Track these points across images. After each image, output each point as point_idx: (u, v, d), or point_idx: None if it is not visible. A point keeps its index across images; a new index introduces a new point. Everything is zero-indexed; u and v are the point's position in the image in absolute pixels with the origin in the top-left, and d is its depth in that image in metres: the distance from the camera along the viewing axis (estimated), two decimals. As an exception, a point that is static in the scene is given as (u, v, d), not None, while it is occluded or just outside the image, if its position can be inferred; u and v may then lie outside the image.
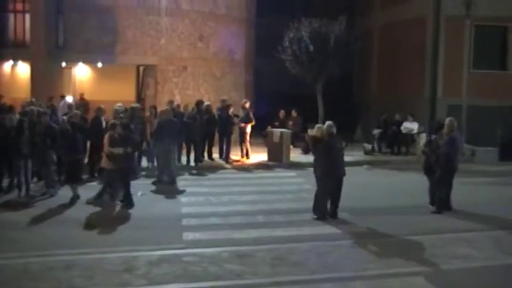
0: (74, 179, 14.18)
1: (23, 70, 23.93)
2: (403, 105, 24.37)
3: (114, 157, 13.39)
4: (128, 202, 13.50)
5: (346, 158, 20.87)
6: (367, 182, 17.61)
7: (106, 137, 13.77)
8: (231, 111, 20.08)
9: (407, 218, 12.98)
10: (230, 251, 10.17)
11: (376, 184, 17.12)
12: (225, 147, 20.02)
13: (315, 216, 12.73)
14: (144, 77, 24.46)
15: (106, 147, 13.63)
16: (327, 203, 12.80)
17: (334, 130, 12.92)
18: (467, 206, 14.18)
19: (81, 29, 22.87)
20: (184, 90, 23.81)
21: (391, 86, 28.11)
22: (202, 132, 19.21)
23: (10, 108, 17.10)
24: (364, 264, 9.63)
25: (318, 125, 13.62)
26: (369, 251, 10.48)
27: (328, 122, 13.22)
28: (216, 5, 24.92)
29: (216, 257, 9.84)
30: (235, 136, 20.60)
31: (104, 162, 13.79)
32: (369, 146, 22.79)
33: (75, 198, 13.84)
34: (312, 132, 13.65)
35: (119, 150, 13.45)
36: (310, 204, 13.63)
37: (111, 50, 22.80)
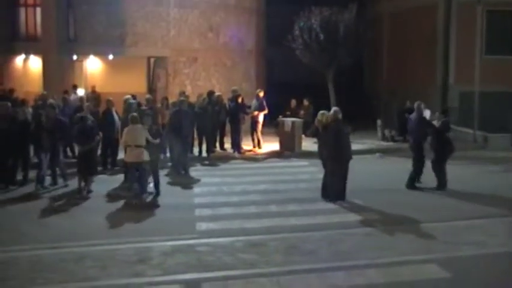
0: (88, 170, 14.19)
1: (34, 64, 24.03)
2: (415, 92, 24.25)
3: (150, 148, 13.35)
4: (158, 191, 13.68)
5: (358, 146, 21.15)
6: (379, 169, 17.63)
7: (136, 129, 13.39)
8: (240, 100, 20.04)
9: (420, 205, 12.96)
10: (243, 241, 10.21)
11: (388, 172, 17.09)
12: (235, 137, 19.98)
13: (328, 200, 13.07)
14: (155, 68, 24.48)
15: (137, 140, 13.26)
16: (344, 184, 13.14)
17: (340, 115, 13.26)
18: (479, 192, 14.19)
19: (91, 22, 22.90)
20: (195, 81, 23.83)
21: (403, 74, 28.00)
22: (214, 122, 19.23)
23: (23, 102, 17.26)
24: (377, 252, 9.64)
25: (322, 111, 13.75)
26: (382, 239, 10.49)
27: (334, 108, 13.66)
28: (226, -5, 24.88)
29: (229, 247, 9.89)
30: (246, 126, 20.59)
31: (137, 155, 13.30)
32: (388, 132, 22.65)
33: (86, 190, 13.92)
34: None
35: (156, 141, 13.49)
36: (323, 193, 13.73)
37: (121, 42, 22.83)
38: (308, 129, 21.74)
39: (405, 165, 15.72)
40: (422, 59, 26.17)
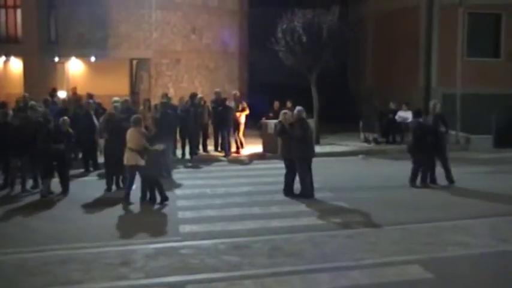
0: (47, 173, 13.98)
1: (15, 66, 23.80)
2: (398, 94, 24.37)
3: (149, 153, 13.13)
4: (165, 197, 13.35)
5: (341, 148, 21.20)
6: (362, 171, 17.66)
7: (133, 132, 13.28)
8: (228, 103, 20.04)
9: (403, 207, 12.99)
10: (227, 243, 10.17)
11: (371, 174, 17.12)
12: (224, 140, 19.91)
13: (291, 197, 13.67)
14: (137, 70, 24.37)
15: (136, 143, 13.12)
16: (312, 182, 13.76)
17: (304, 114, 13.99)
18: (462, 193, 14.28)
19: (73, 24, 22.70)
20: (178, 83, 23.75)
21: (386, 76, 28.12)
22: (197, 124, 19.18)
23: (3, 104, 17.08)
24: (361, 253, 9.64)
25: (284, 111, 14.52)
26: (365, 240, 10.47)
27: (298, 108, 14.12)
28: (208, -3, 24.84)
29: (213, 249, 9.84)
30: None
31: (133, 159, 13.20)
32: (370, 135, 22.73)
33: (43, 191, 13.79)
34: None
35: (159, 147, 13.36)
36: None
37: (103, 44, 22.67)
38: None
39: (388, 167, 15.84)
40: (406, 61, 26.29)
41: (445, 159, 15.35)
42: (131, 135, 13.22)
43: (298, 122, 13.84)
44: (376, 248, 9.96)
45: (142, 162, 13.09)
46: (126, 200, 13.18)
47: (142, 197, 13.28)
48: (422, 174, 15.06)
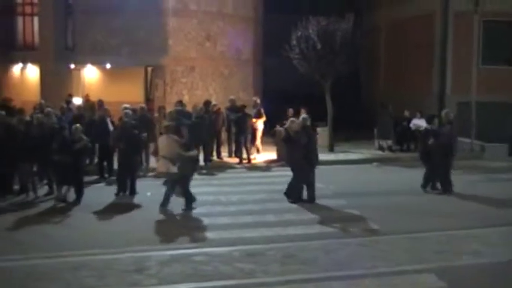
0: (60, 180, 14.00)
1: (32, 72, 24.04)
2: (412, 102, 24.30)
3: (183, 160, 13.18)
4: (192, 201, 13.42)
5: (355, 155, 21.17)
6: (376, 179, 17.62)
7: (167, 139, 13.38)
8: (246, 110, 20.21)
9: (416, 214, 12.97)
10: (241, 250, 10.20)
11: (385, 181, 17.09)
12: (240, 147, 20.05)
13: (291, 200, 13.93)
14: (152, 78, 24.51)
15: (169, 151, 13.20)
16: (302, 188, 14.09)
17: (309, 122, 14.57)
18: (475, 201, 14.23)
19: (89, 31, 22.95)
20: (193, 90, 23.84)
21: (400, 83, 28.06)
22: (211, 131, 19.26)
23: (20, 111, 17.25)
24: (374, 261, 9.64)
25: (291, 119, 14.78)
26: (378, 248, 10.48)
27: (303, 115, 14.84)
28: (223, 5, 24.92)
29: (226, 256, 9.88)
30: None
31: (164, 166, 13.32)
32: (384, 143, 22.70)
33: (62, 198, 13.84)
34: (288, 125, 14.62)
35: (193, 153, 13.44)
36: (321, 202, 13.81)
37: (119, 51, 22.85)
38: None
39: (403, 174, 15.80)
40: (420, 68, 26.24)
41: (448, 167, 15.29)
42: (164, 143, 13.26)
43: (303, 130, 14.19)
44: (389, 256, 9.95)
45: (174, 170, 13.14)
46: (163, 205, 13.22)
47: (164, 203, 13.30)
48: (435, 180, 15.17)
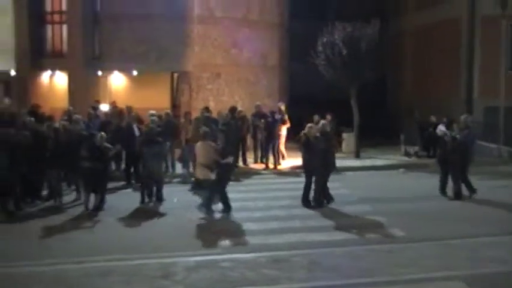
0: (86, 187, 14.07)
1: (60, 80, 24.37)
2: (439, 107, 24.13)
3: (220, 166, 13.28)
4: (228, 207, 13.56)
5: (382, 161, 21.06)
6: (402, 185, 17.52)
7: (203, 146, 13.47)
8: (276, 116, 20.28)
9: (443, 221, 12.86)
10: (266, 256, 10.23)
11: (411, 187, 16.97)
12: (268, 153, 20.16)
13: (313, 204, 14.11)
14: (178, 84, 24.69)
15: (206, 158, 13.27)
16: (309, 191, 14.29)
17: (328, 128, 14.88)
18: (501, 207, 14.07)
19: (116, 38, 23.23)
20: (218, 96, 23.96)
21: (426, 88, 27.87)
22: (237, 138, 19.32)
23: (49, 118, 17.50)
24: (400, 268, 9.59)
25: (309, 124, 14.79)
26: (404, 255, 10.41)
27: (323, 121, 15.18)
28: (248, 11, 25.04)
29: (252, 262, 9.92)
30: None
31: (203, 173, 13.42)
32: (411, 149, 22.59)
33: (93, 206, 13.91)
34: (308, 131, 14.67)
35: (229, 160, 13.55)
36: (346, 208, 13.78)
37: (145, 58, 23.07)
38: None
39: (429, 181, 15.66)
40: (446, 73, 26.04)
41: (465, 171, 15.26)
42: (201, 150, 13.40)
43: (323, 136, 14.33)
44: (416, 263, 9.89)
45: (212, 176, 13.24)
46: (207, 211, 13.31)
47: (208, 208, 13.39)
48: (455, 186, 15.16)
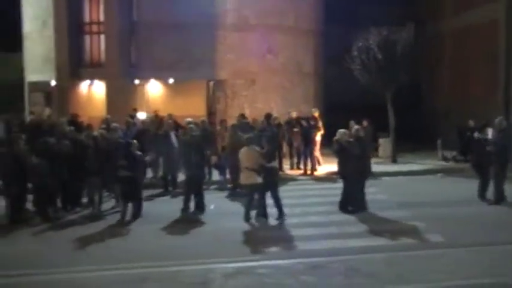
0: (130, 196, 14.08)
1: (98, 89, 24.75)
2: (476, 111, 23.83)
3: (266, 171, 13.35)
4: (265, 214, 13.58)
5: (419, 166, 20.86)
6: (440, 190, 17.35)
7: (249, 151, 13.55)
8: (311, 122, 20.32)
9: (482, 226, 12.68)
10: (304, 263, 10.22)
11: (449, 192, 16.78)
12: (306, 159, 20.20)
13: (351, 208, 14.09)
14: (214, 91, 24.87)
15: (253, 163, 13.33)
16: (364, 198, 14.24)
17: (362, 133, 14.87)
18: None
19: (152, 47, 23.54)
20: (254, 103, 24.08)
21: (464, 92, 27.52)
22: (272, 144, 19.33)
23: (88, 127, 17.81)
24: (441, 275, 9.50)
25: (342, 130, 14.76)
26: (445, 261, 10.31)
27: (355, 126, 15.14)
28: (283, 18, 25.14)
29: (290, 269, 9.92)
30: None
31: (250, 178, 13.44)
32: (448, 154, 22.36)
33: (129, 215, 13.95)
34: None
35: (274, 164, 13.59)
36: (384, 214, 13.72)
37: (181, 66, 23.32)
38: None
39: (467, 185, 15.48)
40: (484, 77, 25.69)
41: (500, 176, 15.04)
42: (246, 155, 13.48)
43: (356, 141, 14.33)
44: (455, 270, 9.78)
45: (259, 180, 13.32)
46: (246, 218, 13.38)
47: (258, 215, 13.50)
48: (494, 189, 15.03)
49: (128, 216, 13.82)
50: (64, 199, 14.80)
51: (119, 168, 13.94)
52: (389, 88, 21.81)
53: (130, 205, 14.01)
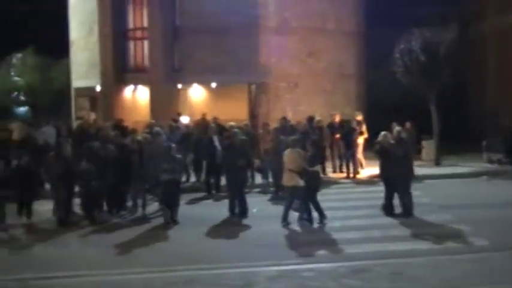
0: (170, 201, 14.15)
1: (142, 94, 25.12)
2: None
3: (308, 174, 13.42)
4: (310, 218, 13.57)
5: (464, 169, 20.57)
6: (485, 193, 17.06)
7: (292, 153, 13.64)
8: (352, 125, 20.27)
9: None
10: (347, 266, 10.24)
11: (494, 195, 16.46)
12: (348, 162, 20.20)
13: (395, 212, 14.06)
14: (256, 95, 24.98)
15: (296, 165, 13.41)
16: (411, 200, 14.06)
17: (404, 135, 14.95)
18: None
19: (195, 51, 23.80)
20: (296, 106, 24.09)
21: (510, 93, 27.05)
22: (315, 147, 19.34)
23: (133, 131, 18.14)
24: (487, 279, 9.40)
25: (384, 132, 14.67)
26: (491, 265, 10.16)
27: (397, 128, 15.15)
28: (325, 20, 25.14)
29: (333, 272, 9.94)
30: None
31: (292, 180, 13.49)
32: (494, 156, 22.02)
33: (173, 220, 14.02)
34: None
35: (316, 168, 13.71)
36: (428, 218, 13.65)
37: (223, 70, 23.49)
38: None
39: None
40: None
41: None
42: (290, 157, 13.58)
43: (398, 143, 14.29)
44: (502, 273, 9.65)
45: (301, 183, 13.39)
46: (284, 221, 13.42)
47: (300, 218, 13.55)
48: None
49: (171, 220, 13.99)
50: (110, 203, 15.09)
51: (161, 172, 14.13)
52: (432, 90, 21.59)
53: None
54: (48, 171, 14.51)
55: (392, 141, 14.44)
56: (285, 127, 18.50)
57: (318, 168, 13.80)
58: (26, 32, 34.77)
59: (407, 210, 13.95)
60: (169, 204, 14.01)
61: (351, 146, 19.97)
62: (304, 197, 13.54)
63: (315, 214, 13.53)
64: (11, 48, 34.39)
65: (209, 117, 21.13)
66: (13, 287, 9.93)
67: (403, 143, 14.55)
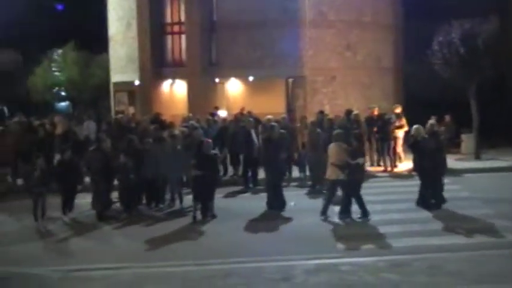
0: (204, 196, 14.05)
1: (180, 88, 25.31)
2: None
3: (351, 168, 13.39)
4: (348, 213, 13.51)
5: (503, 163, 20.25)
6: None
7: (336, 147, 13.63)
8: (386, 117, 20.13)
9: None
10: (385, 260, 10.22)
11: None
12: (384, 155, 20.09)
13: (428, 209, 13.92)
14: (293, 88, 24.95)
15: (338, 158, 13.43)
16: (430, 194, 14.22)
17: (436, 128, 14.93)
18: None
19: (232, 46, 23.88)
20: (333, 100, 24.00)
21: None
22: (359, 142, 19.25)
23: (170, 125, 18.32)
24: (526, 274, 9.30)
25: (416, 126, 14.63)
26: (531, 261, 10.07)
27: (430, 121, 15.03)
28: (361, 13, 24.97)
29: (371, 266, 9.94)
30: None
31: (334, 174, 13.52)
32: None
33: (208, 215, 13.98)
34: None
35: (359, 161, 13.69)
36: (467, 212, 13.52)
37: (260, 63, 23.53)
38: (450, 146, 21.34)
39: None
40: None
41: None
42: (333, 150, 13.62)
43: (431, 136, 14.29)
44: (543, 269, 9.55)
45: (343, 177, 13.41)
46: (323, 214, 13.50)
47: (342, 212, 13.50)
48: None
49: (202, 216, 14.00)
50: (148, 196, 15.29)
51: (191, 167, 14.16)
52: (472, 83, 21.30)
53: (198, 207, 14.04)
54: (89, 165, 14.77)
55: (425, 135, 14.32)
56: (322, 121, 18.45)
57: (361, 160, 13.72)
58: (66, 27, 35.32)
59: (438, 202, 14.00)
60: (202, 200, 13.98)
61: (386, 139, 19.83)
62: (347, 191, 13.52)
63: (354, 207, 13.49)
64: (51, 44, 34.95)
65: (250, 111, 21.15)
66: (56, 278, 10.16)
67: (436, 136, 14.52)
